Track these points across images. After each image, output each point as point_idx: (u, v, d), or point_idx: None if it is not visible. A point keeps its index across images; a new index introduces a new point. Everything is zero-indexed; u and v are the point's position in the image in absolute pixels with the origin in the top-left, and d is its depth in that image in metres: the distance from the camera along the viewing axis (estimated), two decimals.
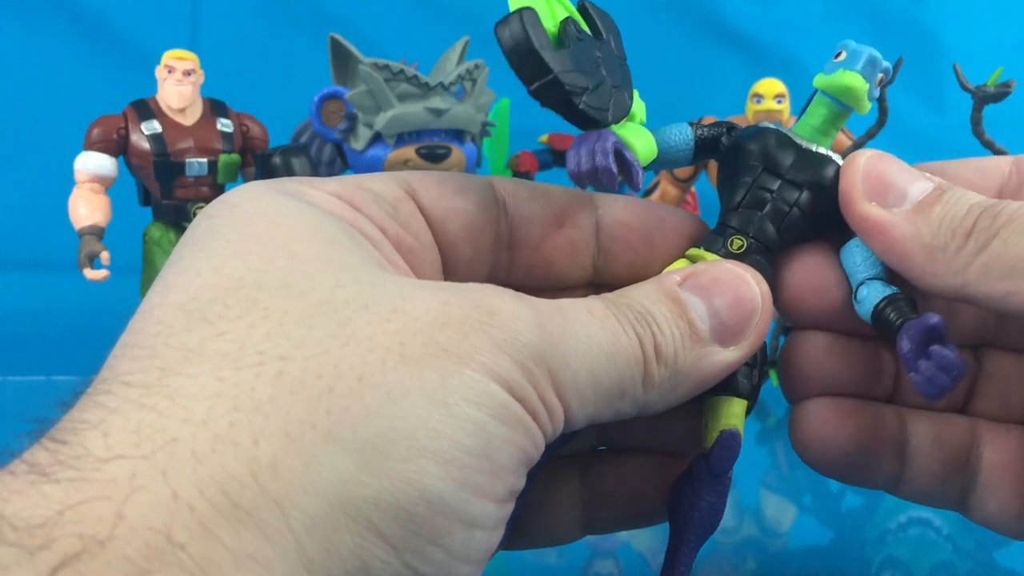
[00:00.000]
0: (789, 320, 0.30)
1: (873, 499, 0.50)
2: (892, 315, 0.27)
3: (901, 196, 0.27)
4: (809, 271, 0.29)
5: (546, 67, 0.24)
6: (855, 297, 0.28)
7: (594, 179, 0.26)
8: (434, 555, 0.19)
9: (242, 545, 0.17)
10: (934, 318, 0.25)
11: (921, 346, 0.26)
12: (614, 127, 0.26)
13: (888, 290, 0.27)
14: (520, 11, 0.24)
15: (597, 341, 0.23)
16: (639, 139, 0.27)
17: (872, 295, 0.27)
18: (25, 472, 0.18)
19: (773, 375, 0.65)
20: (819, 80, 0.28)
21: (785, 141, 0.28)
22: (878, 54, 0.28)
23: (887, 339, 0.27)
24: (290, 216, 0.23)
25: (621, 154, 0.26)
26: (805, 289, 0.29)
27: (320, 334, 0.20)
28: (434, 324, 0.21)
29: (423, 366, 0.20)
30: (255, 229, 0.23)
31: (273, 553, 0.18)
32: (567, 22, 0.25)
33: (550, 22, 0.25)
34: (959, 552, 0.43)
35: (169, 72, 0.61)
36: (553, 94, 0.25)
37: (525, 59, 0.24)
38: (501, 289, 0.23)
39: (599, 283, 0.29)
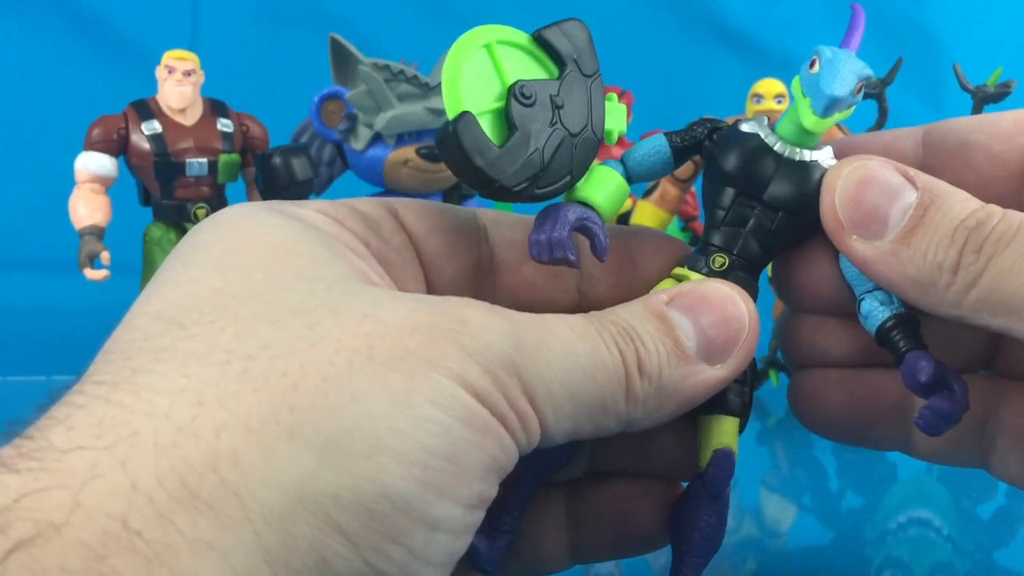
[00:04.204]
0: (789, 306, 0.30)
1: (873, 499, 0.50)
2: (897, 339, 0.27)
3: (882, 225, 0.26)
4: (808, 264, 0.29)
5: (490, 179, 0.25)
6: (858, 311, 0.28)
7: (556, 265, 0.26)
8: (395, 554, 0.20)
9: (199, 533, 0.18)
10: (924, 374, 0.26)
11: (923, 388, 0.26)
12: (578, 185, 0.27)
13: (889, 310, 0.27)
14: (455, 125, 0.24)
15: (575, 354, 0.23)
16: (601, 191, 0.27)
17: (875, 314, 0.27)
18: None
19: (773, 375, 0.65)
20: (795, 88, 0.27)
21: (764, 152, 0.27)
22: (850, 75, 0.26)
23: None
24: (272, 231, 0.24)
25: (585, 227, 0.26)
26: (805, 280, 0.29)
27: (288, 335, 0.21)
28: (403, 329, 0.21)
29: (390, 368, 0.20)
30: (236, 244, 0.23)
31: (230, 542, 0.18)
32: (514, 91, 0.25)
33: (497, 85, 0.25)
34: (959, 552, 0.43)
35: (169, 72, 0.61)
36: (504, 195, 0.25)
37: (468, 174, 0.25)
38: (475, 301, 0.23)
39: (586, 308, 0.29)
